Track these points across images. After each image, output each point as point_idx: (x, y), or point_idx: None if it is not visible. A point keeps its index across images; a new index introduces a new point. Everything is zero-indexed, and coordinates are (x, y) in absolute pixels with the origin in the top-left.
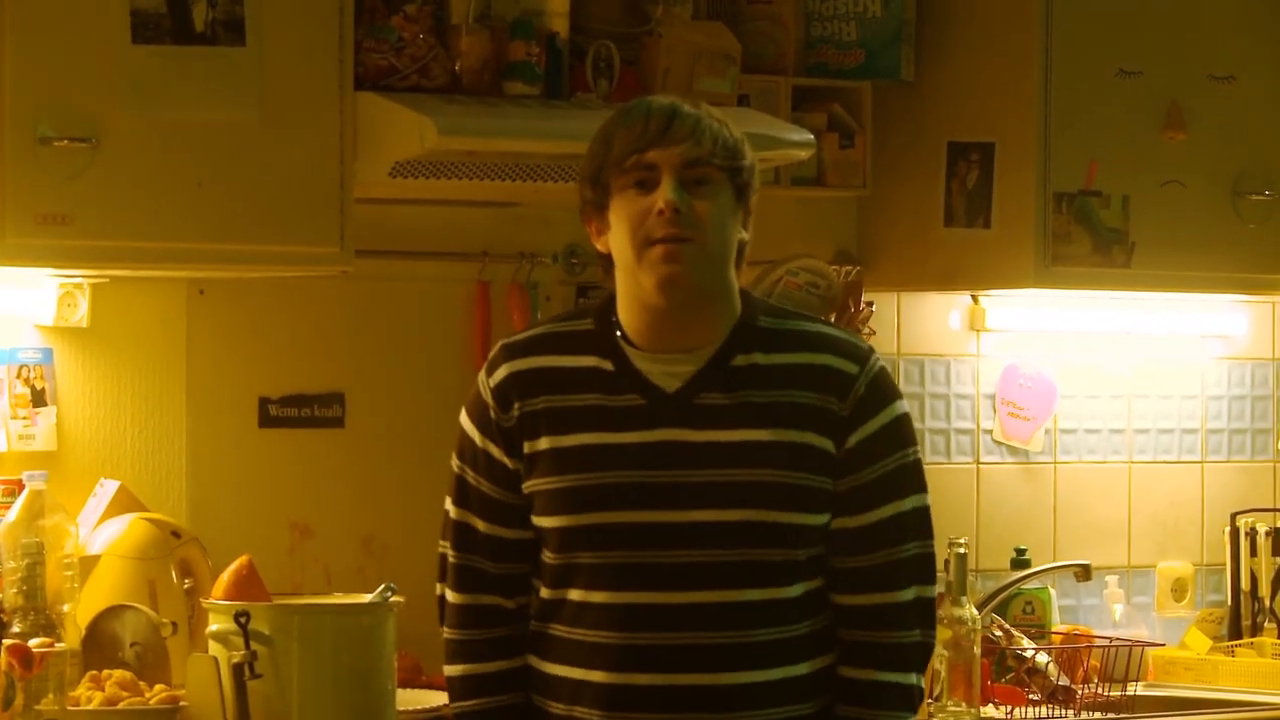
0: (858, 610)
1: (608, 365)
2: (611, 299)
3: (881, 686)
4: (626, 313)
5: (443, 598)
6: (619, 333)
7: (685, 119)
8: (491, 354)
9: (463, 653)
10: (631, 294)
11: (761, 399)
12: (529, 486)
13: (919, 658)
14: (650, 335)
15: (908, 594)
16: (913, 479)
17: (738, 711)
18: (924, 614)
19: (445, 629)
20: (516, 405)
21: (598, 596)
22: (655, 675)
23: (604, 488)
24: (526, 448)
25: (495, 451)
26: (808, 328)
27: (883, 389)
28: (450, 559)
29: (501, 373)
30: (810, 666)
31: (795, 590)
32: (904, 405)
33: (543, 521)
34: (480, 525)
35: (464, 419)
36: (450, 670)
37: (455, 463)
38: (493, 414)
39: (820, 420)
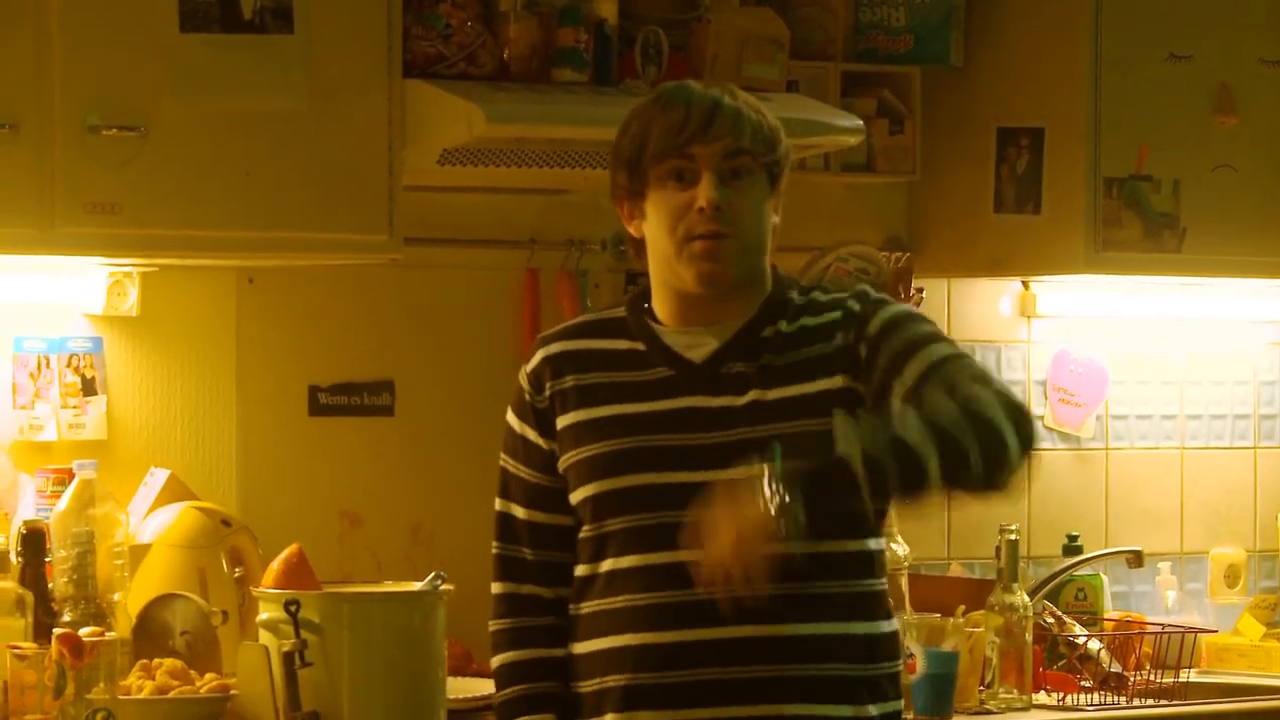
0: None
1: (640, 347)
2: (647, 290)
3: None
4: (659, 296)
5: None
6: (651, 318)
7: (726, 113)
8: (530, 349)
9: (504, 642)
10: (664, 279)
11: (782, 361)
12: (564, 462)
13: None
14: (682, 316)
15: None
16: (926, 319)
17: (780, 664)
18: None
19: (490, 621)
20: (549, 385)
21: (628, 561)
22: (687, 632)
23: (632, 451)
24: (559, 423)
25: (531, 434)
26: (824, 297)
27: (883, 297)
28: (493, 550)
29: (536, 358)
30: (861, 628)
31: (832, 545)
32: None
33: (577, 495)
34: (520, 512)
35: (507, 415)
36: (494, 661)
37: (500, 459)
38: (527, 397)
39: (839, 361)
